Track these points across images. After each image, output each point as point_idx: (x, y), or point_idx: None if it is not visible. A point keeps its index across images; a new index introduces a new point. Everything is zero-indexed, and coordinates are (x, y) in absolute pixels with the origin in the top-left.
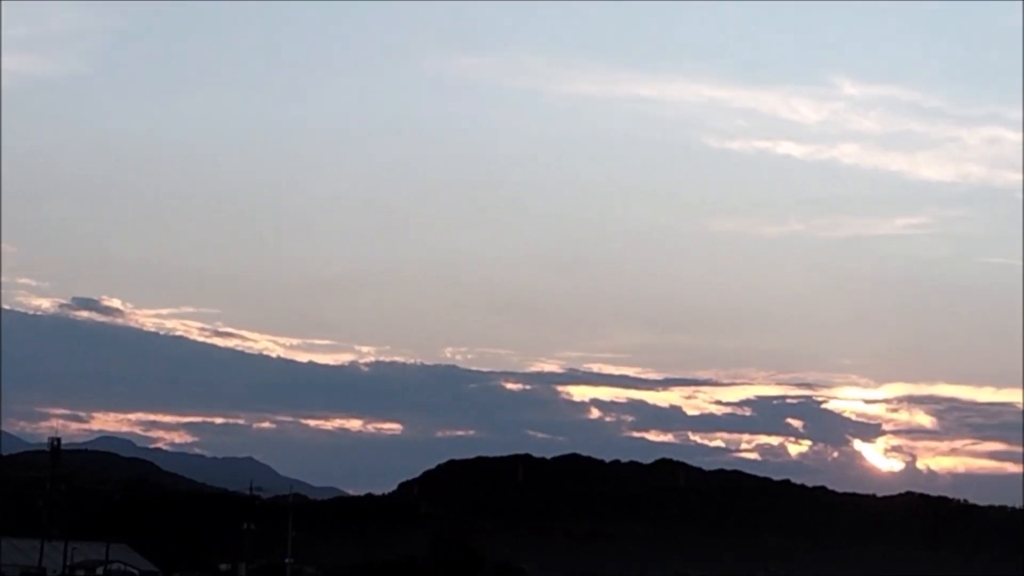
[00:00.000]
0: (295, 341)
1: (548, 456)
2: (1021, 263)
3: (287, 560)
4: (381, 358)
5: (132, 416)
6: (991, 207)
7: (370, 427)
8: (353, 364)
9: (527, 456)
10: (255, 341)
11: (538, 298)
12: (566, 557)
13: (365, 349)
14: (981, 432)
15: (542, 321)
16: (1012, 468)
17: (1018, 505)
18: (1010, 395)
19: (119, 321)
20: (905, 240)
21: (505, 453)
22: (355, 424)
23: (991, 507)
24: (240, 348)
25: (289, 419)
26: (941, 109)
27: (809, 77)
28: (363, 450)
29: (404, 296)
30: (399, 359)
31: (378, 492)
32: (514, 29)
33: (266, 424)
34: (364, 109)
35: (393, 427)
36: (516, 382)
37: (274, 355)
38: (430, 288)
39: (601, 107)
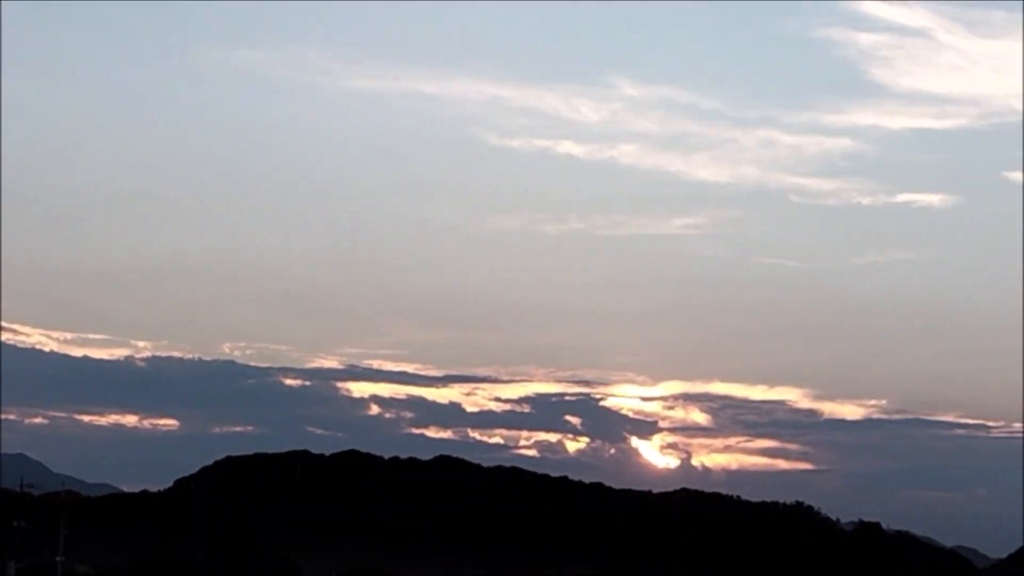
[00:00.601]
0: (69, 335)
1: (327, 453)
2: (794, 264)
3: (59, 559)
4: (158, 353)
5: None
6: (765, 209)
7: (146, 423)
8: (129, 359)
9: (306, 453)
10: (27, 335)
11: (318, 294)
12: (345, 555)
13: (141, 344)
14: (754, 429)
15: (322, 317)
16: (783, 465)
17: (789, 501)
18: (782, 393)
19: None
20: (682, 240)
21: (284, 449)
22: (131, 420)
23: (763, 503)
24: (12, 342)
25: (63, 415)
26: (717, 111)
27: (589, 77)
28: (139, 446)
29: (182, 290)
30: (176, 354)
31: (154, 489)
32: (295, 23)
33: (39, 420)
34: (143, 100)
35: (169, 423)
36: (295, 378)
37: (47, 349)
38: (208, 282)
39: (382, 103)
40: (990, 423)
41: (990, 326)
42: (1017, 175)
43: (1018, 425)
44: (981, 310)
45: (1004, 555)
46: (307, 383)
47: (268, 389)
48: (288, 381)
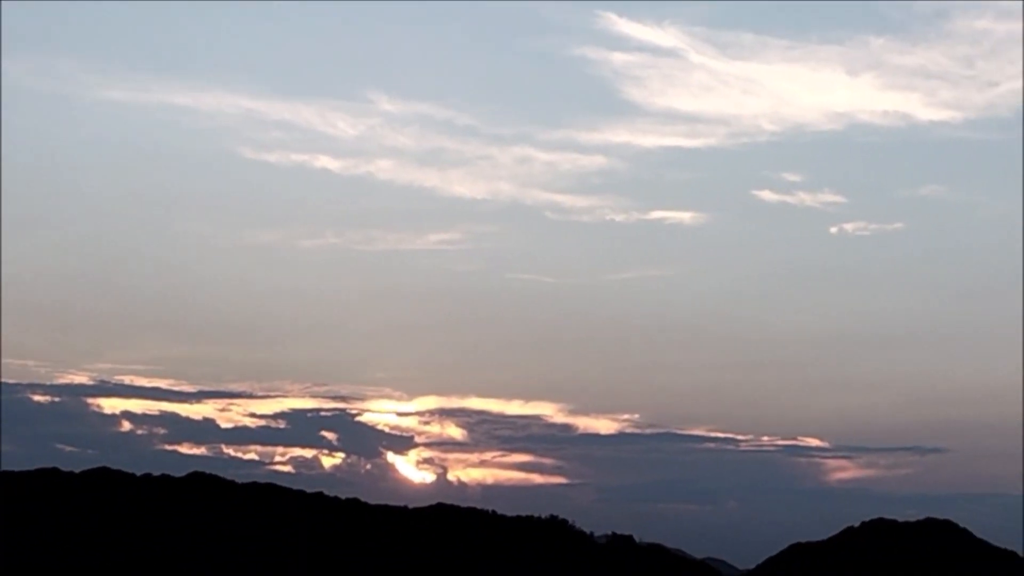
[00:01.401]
0: None
1: (77, 470)
2: (549, 280)
3: None
4: None
5: None
6: (520, 224)
7: None
8: None
9: (55, 470)
10: None
11: (67, 308)
12: (95, 573)
13: None
14: (510, 444)
15: (72, 331)
16: (538, 479)
17: (544, 515)
18: (537, 408)
19: None
20: (438, 255)
21: (32, 467)
22: None
23: (518, 517)
24: None
25: None
26: (474, 128)
27: (346, 92)
28: None
29: None
30: None
31: None
32: (42, 29)
33: None
34: None
35: None
36: (44, 394)
37: None
38: None
39: (134, 114)
40: (739, 436)
41: (739, 341)
42: (766, 193)
43: (766, 438)
44: (731, 325)
45: (752, 566)
46: (56, 399)
47: (15, 405)
48: (36, 397)
